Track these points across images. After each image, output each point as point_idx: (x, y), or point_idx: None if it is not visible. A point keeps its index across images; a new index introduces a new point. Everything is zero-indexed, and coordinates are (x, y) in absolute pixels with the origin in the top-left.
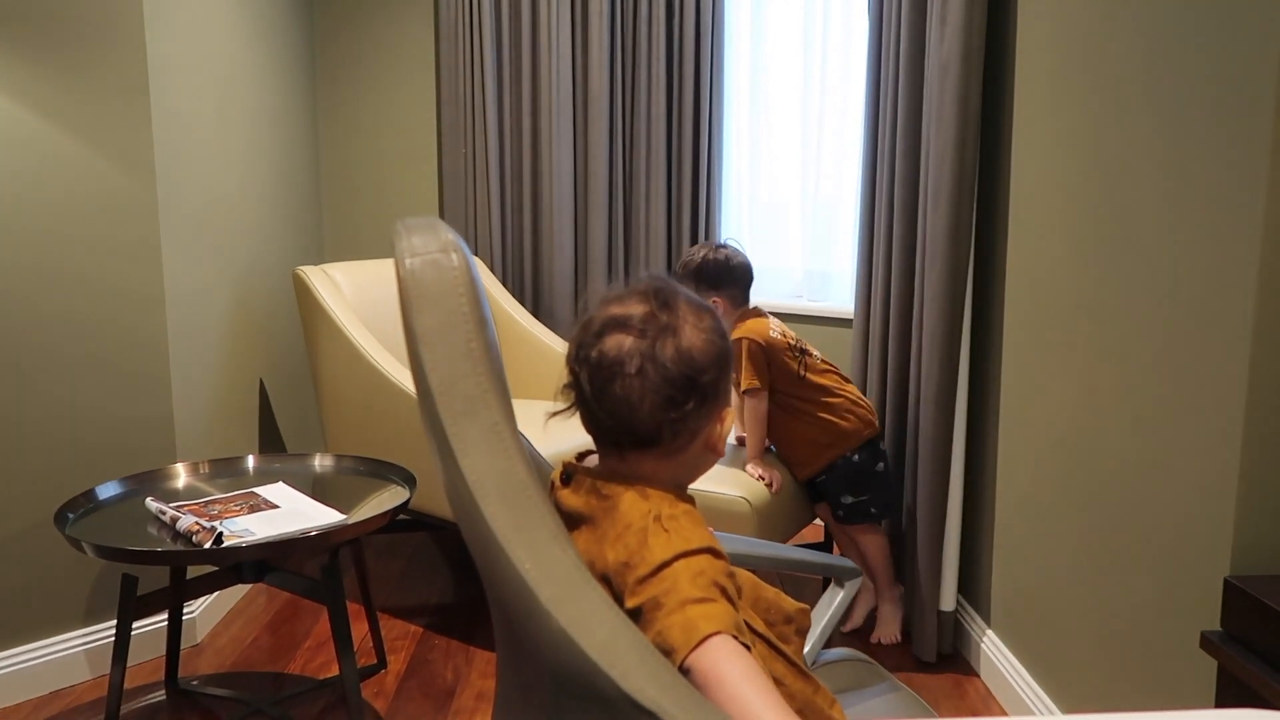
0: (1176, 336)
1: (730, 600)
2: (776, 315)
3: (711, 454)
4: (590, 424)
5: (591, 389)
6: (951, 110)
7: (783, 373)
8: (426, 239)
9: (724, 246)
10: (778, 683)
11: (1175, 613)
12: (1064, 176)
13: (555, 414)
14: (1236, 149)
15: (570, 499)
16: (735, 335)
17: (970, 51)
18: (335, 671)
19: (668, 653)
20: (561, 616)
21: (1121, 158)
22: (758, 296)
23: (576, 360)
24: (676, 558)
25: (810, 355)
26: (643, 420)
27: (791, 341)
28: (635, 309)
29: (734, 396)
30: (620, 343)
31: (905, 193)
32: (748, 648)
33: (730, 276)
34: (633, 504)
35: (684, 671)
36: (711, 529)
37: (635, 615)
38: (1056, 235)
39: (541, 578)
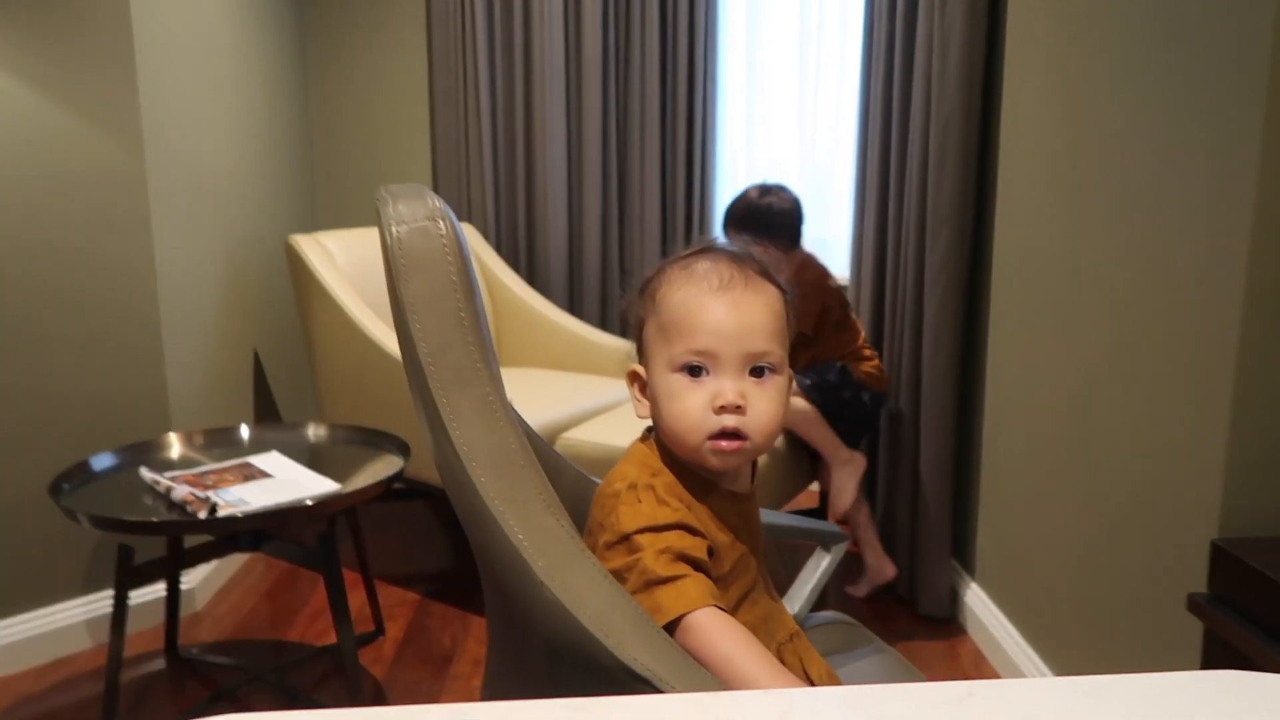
0: (1166, 301)
1: (703, 568)
2: None
3: (654, 415)
4: None
5: None
6: (956, 76)
7: (828, 327)
8: (413, 206)
9: (769, 190)
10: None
11: (1162, 575)
12: (1055, 144)
13: None
14: (1229, 118)
15: None
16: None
17: (974, 15)
18: (333, 639)
19: None
20: (555, 586)
21: (1114, 125)
22: None
23: None
24: (642, 530)
25: (852, 312)
26: None
27: (842, 293)
28: None
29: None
30: None
31: (901, 160)
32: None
33: (769, 223)
34: (622, 467)
35: None
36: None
37: None
38: (1047, 202)
39: (535, 549)
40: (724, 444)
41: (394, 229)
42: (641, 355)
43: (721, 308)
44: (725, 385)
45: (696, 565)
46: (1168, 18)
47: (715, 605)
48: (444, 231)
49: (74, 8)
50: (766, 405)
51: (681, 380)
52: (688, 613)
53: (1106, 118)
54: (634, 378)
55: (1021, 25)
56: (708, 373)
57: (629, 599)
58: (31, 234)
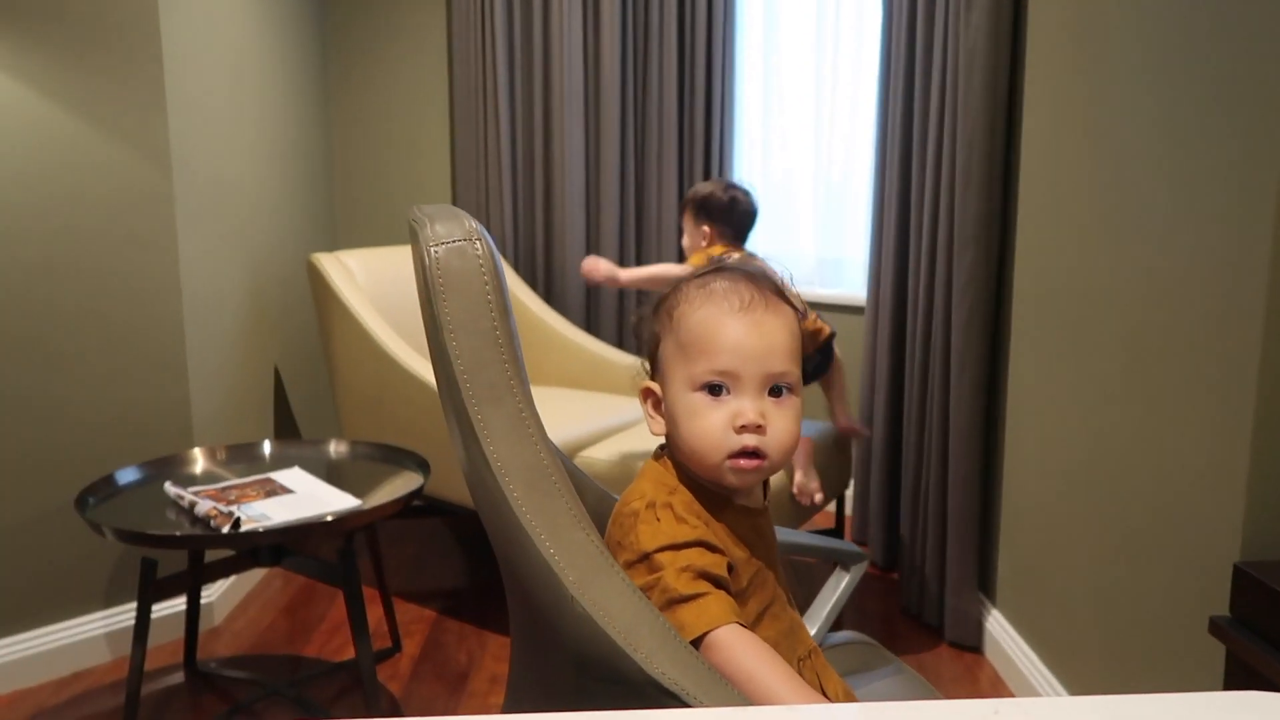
0: (1186, 321)
1: (723, 585)
2: None
3: (670, 433)
4: None
5: None
6: (979, 96)
7: None
8: (450, 226)
9: (734, 187)
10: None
11: (1184, 597)
12: (1073, 163)
13: None
14: (1248, 139)
15: None
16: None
17: (998, 37)
18: (351, 654)
19: None
20: (585, 600)
21: (1132, 145)
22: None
23: None
24: (662, 549)
25: None
26: None
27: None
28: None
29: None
30: None
31: (920, 179)
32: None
33: (726, 215)
34: (639, 485)
35: None
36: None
37: None
38: (1065, 222)
39: (565, 563)
40: (744, 463)
41: (432, 249)
42: (655, 372)
43: (743, 328)
44: (746, 405)
45: (717, 582)
46: (1186, 39)
47: (737, 622)
48: (480, 252)
49: (104, 31)
50: (785, 424)
51: (702, 399)
52: (710, 630)
53: (1124, 140)
54: (647, 394)
55: (1042, 47)
56: (728, 392)
57: (656, 614)
58: (61, 252)
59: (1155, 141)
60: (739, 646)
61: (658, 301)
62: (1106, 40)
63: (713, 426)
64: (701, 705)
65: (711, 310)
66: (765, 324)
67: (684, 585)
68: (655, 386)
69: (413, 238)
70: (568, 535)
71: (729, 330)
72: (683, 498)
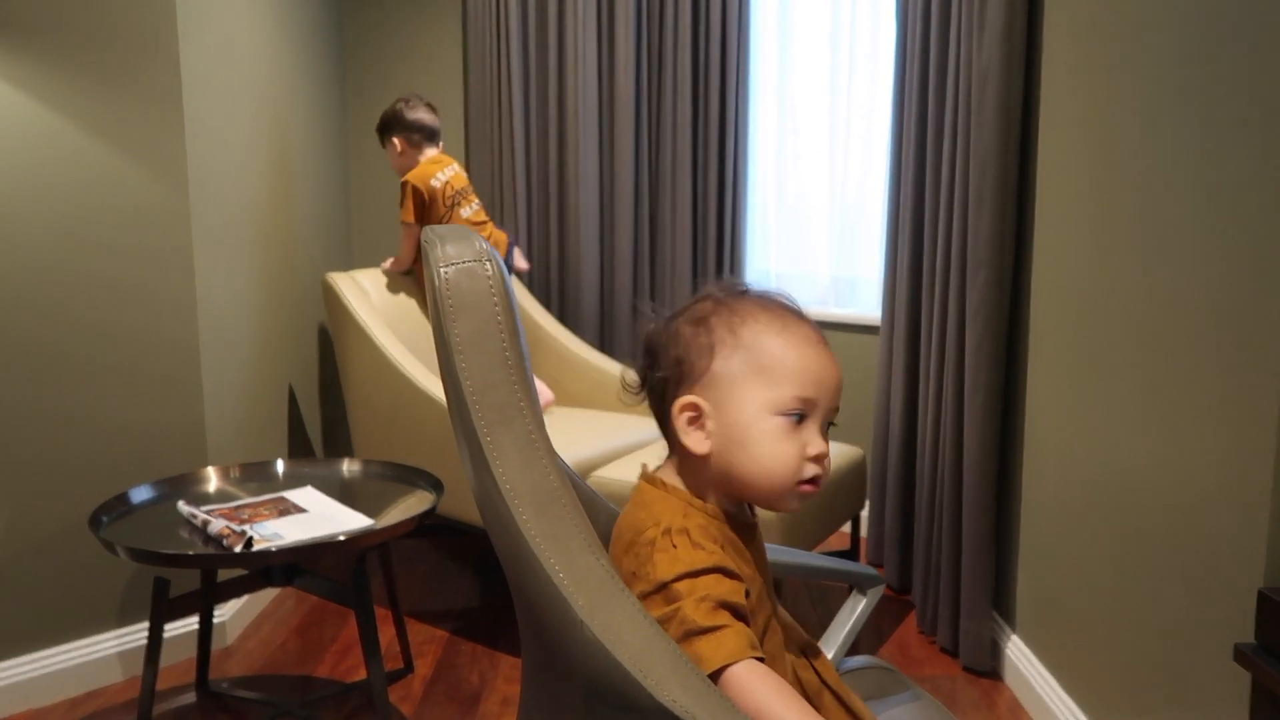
0: (1209, 344)
1: (742, 616)
2: None
3: (691, 452)
4: None
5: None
6: (993, 116)
7: (434, 215)
8: (461, 248)
9: (401, 99)
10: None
11: (1208, 624)
12: (1092, 180)
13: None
14: (1266, 157)
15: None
16: (404, 179)
17: (1011, 58)
18: (363, 675)
19: None
20: (595, 625)
21: (1153, 160)
22: None
23: None
24: (680, 578)
25: (462, 208)
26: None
27: (450, 192)
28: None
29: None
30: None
31: (935, 199)
32: (761, 660)
33: (402, 124)
34: (649, 511)
35: None
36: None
37: None
38: (1082, 243)
39: (575, 587)
40: (808, 489)
41: (442, 270)
42: (688, 386)
43: (828, 361)
44: (816, 436)
45: (736, 612)
46: (1202, 55)
47: (754, 657)
48: (490, 273)
49: (124, 50)
50: (830, 457)
51: (784, 424)
52: (728, 665)
53: (1140, 158)
54: (693, 408)
55: (1056, 65)
56: (803, 420)
57: (668, 640)
58: (78, 268)
59: (1175, 161)
60: (755, 681)
61: (694, 314)
62: (1123, 60)
63: (791, 453)
64: None
65: (795, 337)
66: (835, 361)
67: (702, 617)
68: (702, 402)
69: (424, 258)
70: (578, 559)
71: (816, 361)
72: (697, 521)
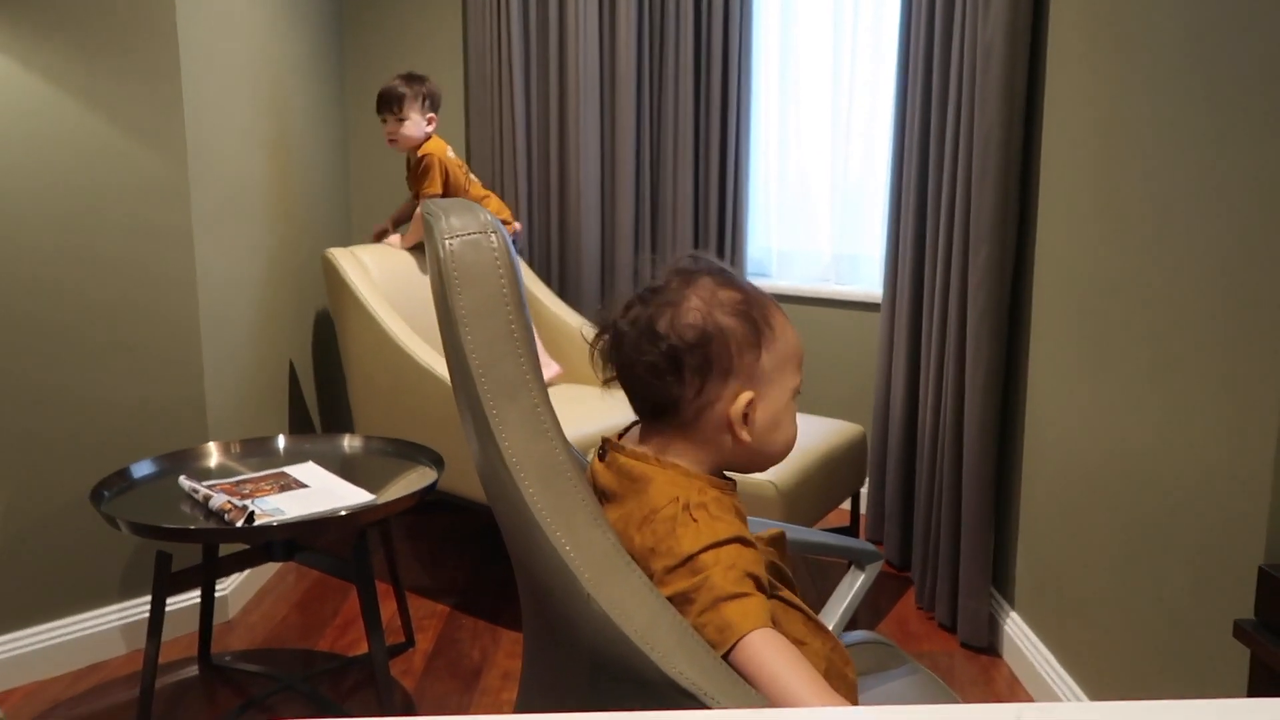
0: (1212, 321)
1: (763, 589)
2: (802, 299)
3: (733, 437)
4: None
5: (613, 352)
6: (996, 92)
7: (457, 189)
8: (465, 219)
9: (420, 74)
10: (800, 643)
11: (1208, 600)
12: (1097, 158)
13: (606, 381)
14: (1273, 133)
15: (603, 475)
16: (424, 152)
17: (1016, 31)
18: (364, 649)
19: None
20: (602, 599)
21: (1157, 139)
22: (786, 280)
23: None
24: (705, 549)
25: (472, 179)
26: (644, 387)
27: (461, 164)
28: (660, 282)
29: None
30: (633, 314)
31: (938, 175)
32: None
33: (436, 96)
34: (660, 489)
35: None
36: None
37: None
38: (1087, 218)
39: (581, 561)
40: None
41: (447, 242)
42: (733, 380)
43: None
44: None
45: (758, 583)
46: (1210, 30)
47: (770, 626)
48: (495, 245)
49: (121, 25)
50: None
51: (793, 405)
52: (751, 631)
53: (1147, 134)
54: (751, 404)
55: (1062, 42)
56: None
57: (674, 613)
58: (77, 245)
59: (1182, 136)
60: (771, 652)
61: (726, 304)
62: (1131, 33)
63: (797, 426)
64: (719, 706)
65: (791, 327)
66: None
67: (731, 584)
68: (756, 396)
69: (427, 231)
70: (584, 533)
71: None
72: (712, 495)
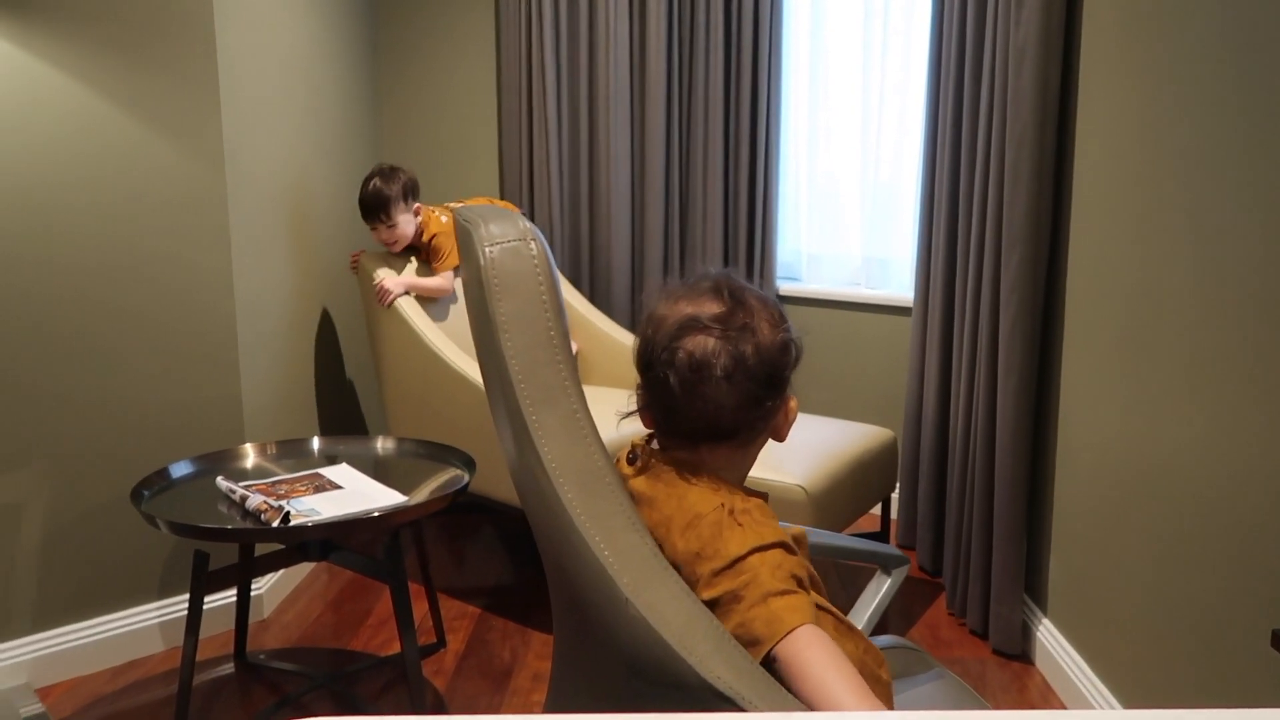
0: (1243, 324)
1: (806, 590)
2: (833, 303)
3: (775, 438)
4: (665, 420)
5: (681, 390)
6: (1030, 94)
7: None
8: (505, 227)
9: (395, 166)
10: None
11: (1244, 608)
12: (1132, 161)
13: (627, 415)
14: None
15: (636, 480)
16: (436, 230)
17: (1049, 33)
18: (396, 649)
19: (752, 644)
20: (640, 603)
21: (1194, 141)
22: (816, 283)
23: (659, 361)
24: (752, 551)
25: None
26: (727, 418)
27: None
28: (712, 307)
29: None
30: (704, 343)
31: (969, 178)
32: None
33: (416, 187)
34: (702, 496)
35: (770, 661)
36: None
37: (711, 607)
38: (1122, 221)
39: (620, 565)
40: None
41: (487, 249)
42: (788, 389)
43: None
44: None
45: (801, 585)
46: (1245, 35)
47: (815, 624)
48: (535, 252)
49: (163, 34)
50: None
51: None
52: (803, 624)
53: (1183, 138)
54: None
55: (1095, 44)
56: None
57: (711, 617)
58: (119, 252)
59: (1218, 139)
60: (817, 645)
61: (777, 318)
62: (1166, 36)
63: None
64: (756, 709)
65: None
66: None
67: (779, 582)
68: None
69: (465, 238)
70: (622, 537)
71: None
72: (754, 502)
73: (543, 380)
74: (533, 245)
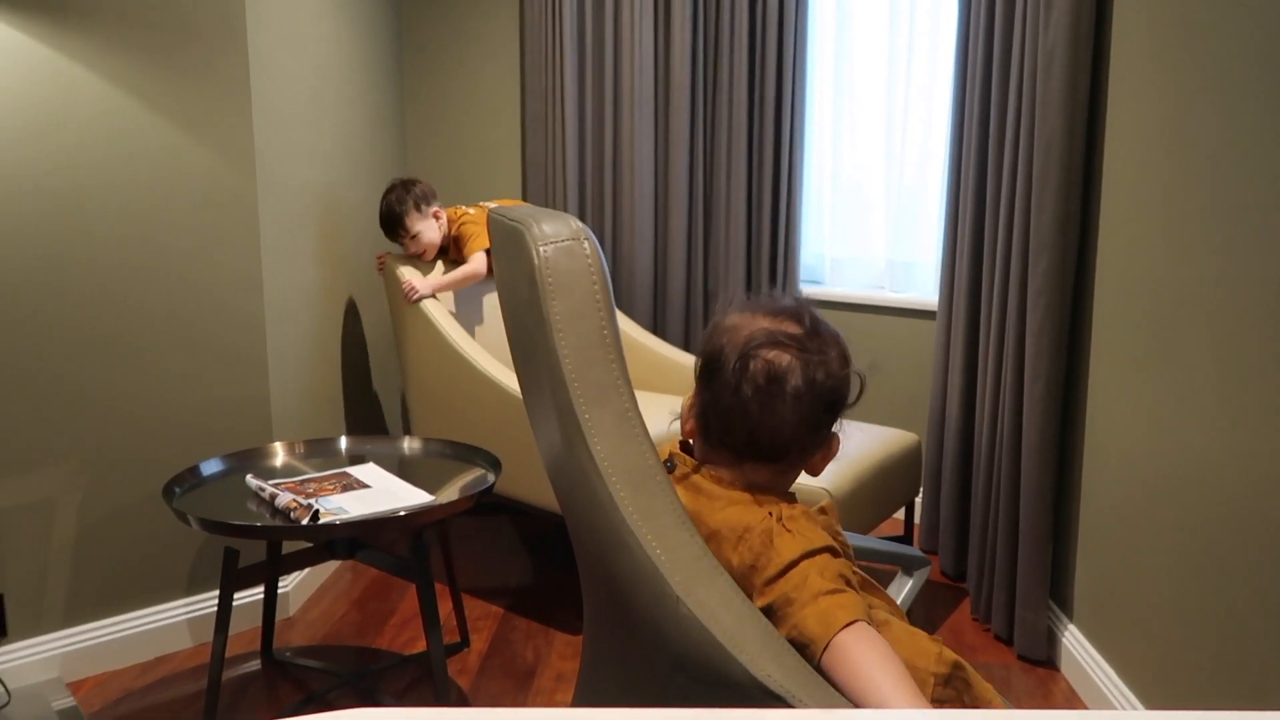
0: (1274, 329)
1: (856, 590)
2: (856, 306)
3: (810, 473)
4: (721, 429)
5: (751, 398)
6: (1058, 98)
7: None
8: (558, 226)
9: (409, 180)
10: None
11: (1272, 614)
12: (1161, 166)
13: (676, 419)
14: None
15: (676, 490)
16: (463, 221)
17: (1079, 37)
18: (420, 648)
19: (806, 643)
20: (691, 602)
21: (1225, 146)
22: (840, 287)
23: (730, 368)
24: (803, 556)
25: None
26: (784, 436)
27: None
28: (792, 328)
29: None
30: (781, 358)
31: (996, 182)
32: None
33: (432, 192)
34: (748, 509)
35: (822, 658)
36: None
37: (766, 613)
38: (1151, 226)
39: (671, 564)
40: None
41: (541, 249)
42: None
43: None
44: None
45: (848, 584)
46: (1276, 39)
47: (866, 622)
48: (588, 252)
49: (196, 39)
50: None
51: None
52: (854, 621)
53: (1213, 142)
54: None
55: (1125, 48)
56: None
57: (760, 616)
58: (150, 253)
59: (1248, 144)
60: (869, 641)
61: (846, 352)
62: (1196, 40)
63: None
64: (805, 706)
65: None
66: None
67: (828, 581)
68: None
69: (515, 237)
70: (672, 536)
71: None
72: (799, 509)
73: (596, 379)
74: (586, 245)
